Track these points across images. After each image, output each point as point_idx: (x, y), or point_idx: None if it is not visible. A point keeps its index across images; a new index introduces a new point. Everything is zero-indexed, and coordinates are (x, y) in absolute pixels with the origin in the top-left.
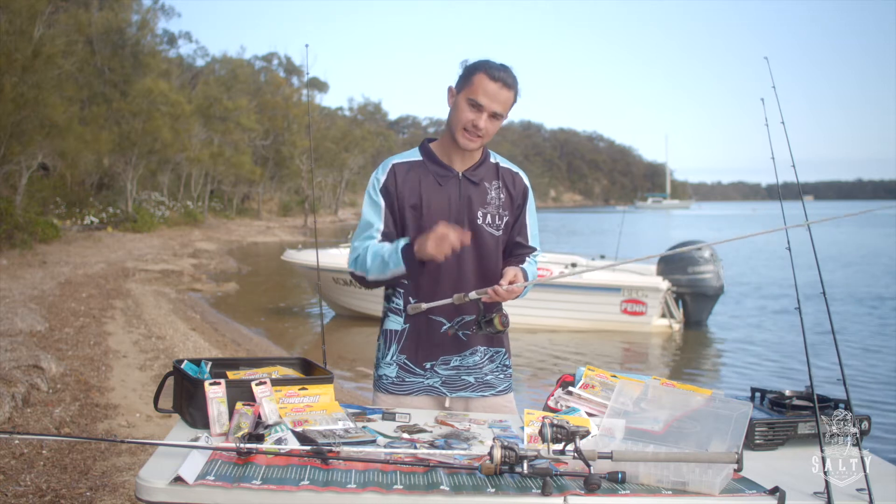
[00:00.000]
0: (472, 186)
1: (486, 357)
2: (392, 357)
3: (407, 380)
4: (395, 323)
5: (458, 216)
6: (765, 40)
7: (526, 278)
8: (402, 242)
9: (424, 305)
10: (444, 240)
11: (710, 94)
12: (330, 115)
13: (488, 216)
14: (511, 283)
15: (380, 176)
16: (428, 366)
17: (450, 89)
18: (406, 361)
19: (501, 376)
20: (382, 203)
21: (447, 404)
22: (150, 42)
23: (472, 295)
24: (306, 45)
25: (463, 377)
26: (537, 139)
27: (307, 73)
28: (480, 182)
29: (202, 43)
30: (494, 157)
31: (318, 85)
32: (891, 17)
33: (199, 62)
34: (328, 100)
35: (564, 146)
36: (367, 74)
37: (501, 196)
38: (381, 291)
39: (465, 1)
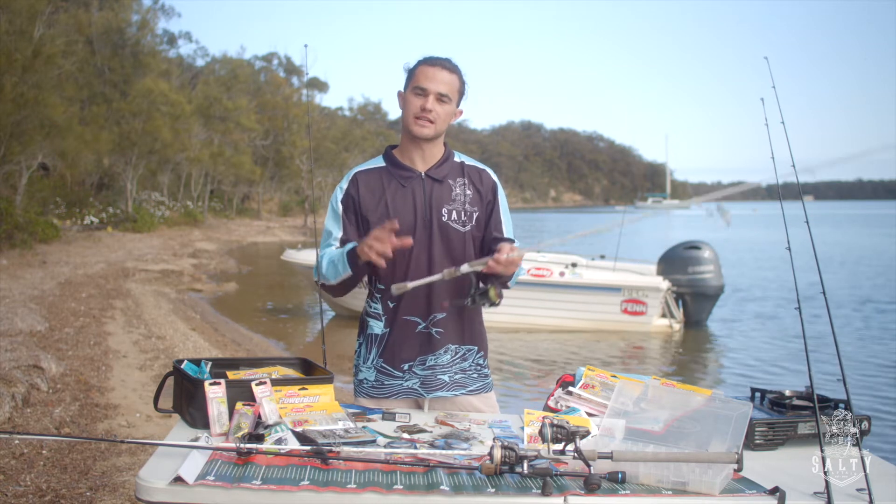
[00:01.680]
0: (435, 184)
1: (458, 355)
2: (372, 361)
3: (386, 383)
4: (377, 327)
5: (424, 214)
6: (765, 40)
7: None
8: (350, 246)
9: (410, 284)
10: (374, 245)
11: (710, 94)
12: (330, 115)
13: (454, 213)
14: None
15: (343, 185)
16: (405, 367)
17: (399, 94)
18: (384, 365)
19: (475, 375)
20: (341, 210)
21: (425, 407)
22: (150, 42)
23: (464, 268)
24: (306, 45)
25: (438, 376)
26: (537, 139)
27: (307, 73)
28: (444, 179)
29: (202, 43)
30: (459, 157)
31: (318, 85)
32: (891, 17)
33: (199, 62)
34: (328, 100)
35: (564, 146)
36: (367, 74)
37: (468, 192)
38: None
39: (466, 1)
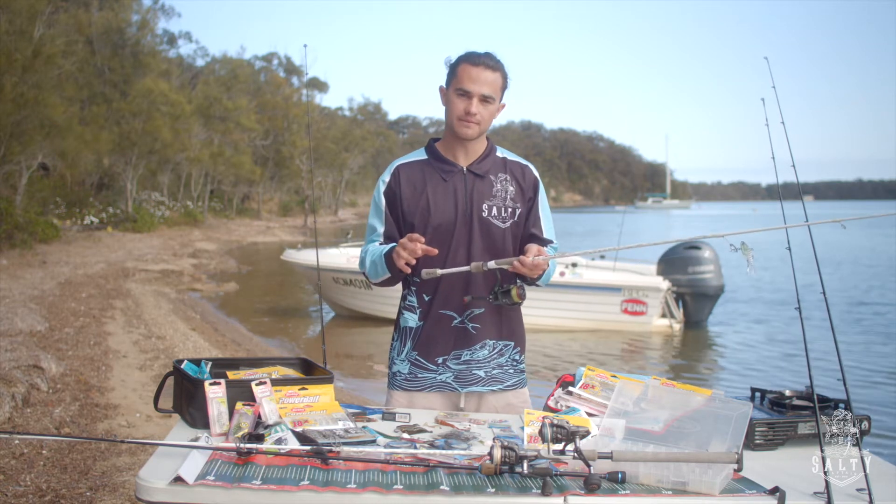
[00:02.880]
0: (476, 179)
1: (496, 351)
2: (406, 354)
3: (419, 376)
4: (411, 320)
5: (464, 209)
6: (765, 40)
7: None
8: (388, 248)
9: (440, 271)
10: (401, 252)
11: (710, 94)
12: (330, 115)
13: (494, 208)
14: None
15: (385, 178)
16: (440, 361)
17: (441, 89)
18: (418, 358)
19: (511, 371)
20: (384, 205)
21: (462, 403)
22: (150, 42)
23: (491, 264)
24: (305, 45)
25: (474, 371)
26: (537, 139)
27: (307, 73)
28: (486, 175)
29: (202, 43)
30: (501, 152)
31: (318, 85)
32: (891, 17)
33: (199, 62)
34: (328, 100)
35: (564, 146)
36: (367, 74)
37: (510, 188)
38: (382, 291)
39: (466, 0)
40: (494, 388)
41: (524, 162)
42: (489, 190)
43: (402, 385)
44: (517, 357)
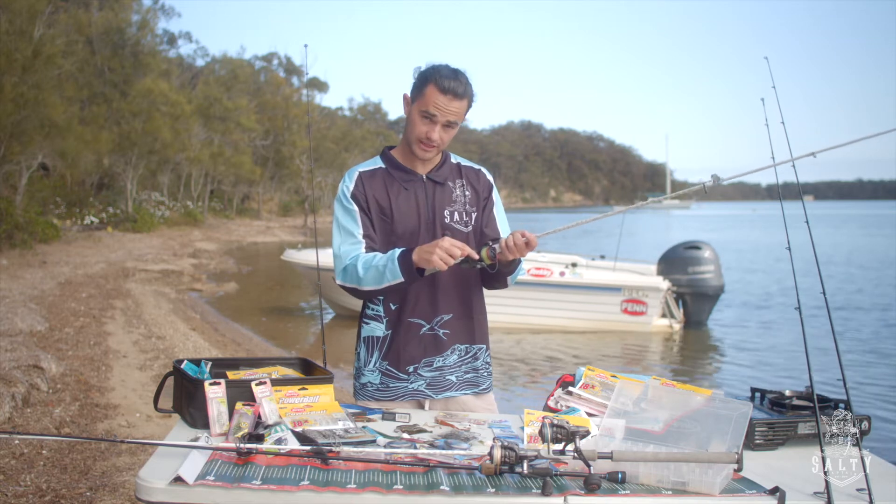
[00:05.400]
0: (437, 187)
1: (469, 355)
2: (375, 364)
3: (391, 385)
4: (378, 330)
5: (427, 217)
6: (765, 40)
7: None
8: (398, 252)
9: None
10: (449, 252)
11: (710, 94)
12: (330, 115)
13: (455, 214)
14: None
15: (348, 184)
16: (410, 369)
17: (405, 97)
18: (389, 367)
19: (486, 374)
20: (356, 208)
21: (427, 407)
22: (150, 42)
23: (495, 244)
24: (305, 46)
25: (447, 377)
26: (537, 139)
27: (307, 73)
28: (444, 182)
29: (202, 43)
30: (455, 158)
31: (318, 85)
32: (891, 17)
33: (199, 62)
34: (328, 100)
35: (564, 146)
36: (367, 74)
37: (467, 193)
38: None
39: (466, 1)
40: (468, 392)
41: (476, 166)
42: (449, 196)
43: (374, 395)
44: (488, 360)
